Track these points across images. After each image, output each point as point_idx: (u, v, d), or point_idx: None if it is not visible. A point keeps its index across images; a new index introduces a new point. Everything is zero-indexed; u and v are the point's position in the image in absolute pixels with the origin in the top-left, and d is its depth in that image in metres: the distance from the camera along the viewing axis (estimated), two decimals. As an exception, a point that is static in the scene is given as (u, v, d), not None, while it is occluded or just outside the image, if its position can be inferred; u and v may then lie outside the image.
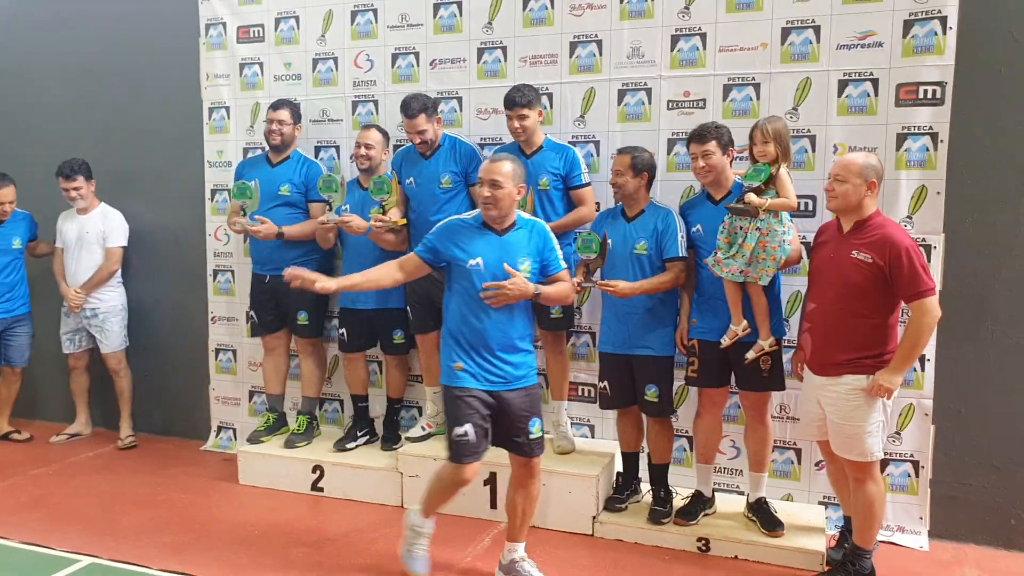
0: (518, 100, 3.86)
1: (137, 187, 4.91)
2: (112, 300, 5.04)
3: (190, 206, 5.00)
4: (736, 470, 4.05)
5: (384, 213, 4.08)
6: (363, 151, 4.23)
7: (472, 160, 4.13)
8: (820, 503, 3.92)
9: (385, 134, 4.33)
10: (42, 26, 5.44)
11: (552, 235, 3.29)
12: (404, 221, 4.13)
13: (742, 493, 3.95)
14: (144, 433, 5.27)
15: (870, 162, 3.11)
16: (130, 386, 5.20)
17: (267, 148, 4.56)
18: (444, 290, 3.32)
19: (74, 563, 3.53)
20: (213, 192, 4.99)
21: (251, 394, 5.03)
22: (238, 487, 4.45)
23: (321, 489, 4.32)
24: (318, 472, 4.33)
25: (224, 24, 4.85)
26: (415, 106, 4.02)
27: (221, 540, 3.79)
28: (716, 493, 3.89)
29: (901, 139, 3.67)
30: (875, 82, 3.70)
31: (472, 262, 3.13)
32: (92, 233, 4.95)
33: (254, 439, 4.59)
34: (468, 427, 3.11)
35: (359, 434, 4.50)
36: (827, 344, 3.16)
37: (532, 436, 3.22)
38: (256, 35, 4.80)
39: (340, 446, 4.42)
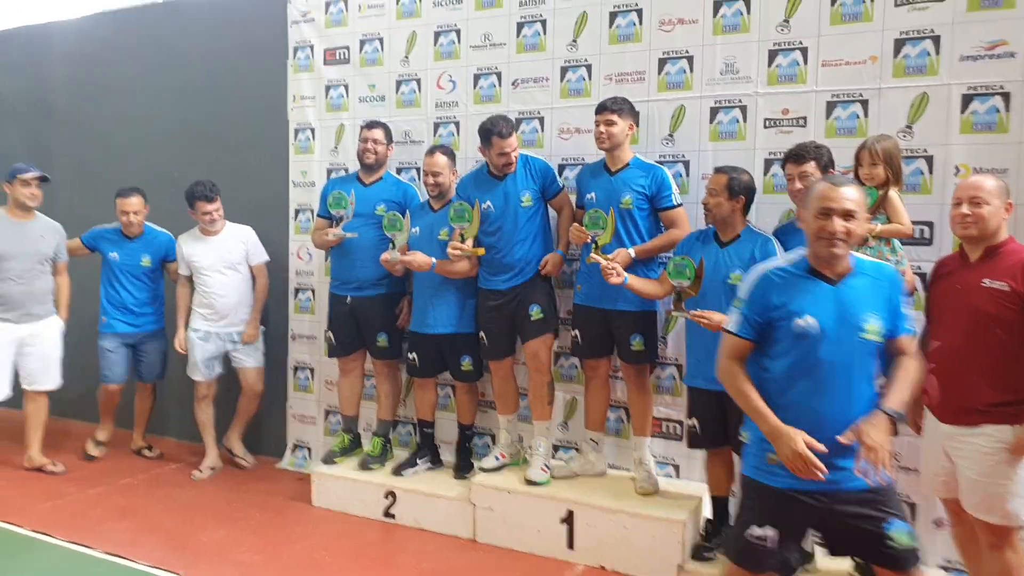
0: (609, 105, 3.70)
1: (225, 206, 4.98)
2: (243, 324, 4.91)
3: (274, 225, 5.05)
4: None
5: (463, 241, 3.97)
6: (431, 179, 4.15)
7: (547, 175, 4.01)
8: (941, 567, 3.51)
9: (451, 155, 4.24)
10: (136, 47, 5.65)
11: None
12: (482, 251, 4.00)
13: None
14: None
15: (1002, 183, 2.81)
16: (256, 408, 5.05)
17: (351, 168, 4.54)
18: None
19: (152, 578, 3.58)
20: (297, 212, 5.02)
21: (327, 413, 5.02)
22: (312, 508, 4.43)
23: (393, 516, 4.23)
24: (391, 498, 4.24)
25: (312, 47, 4.89)
26: (508, 128, 3.92)
27: (292, 563, 3.76)
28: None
29: (1040, 159, 3.28)
30: (1006, 96, 3.32)
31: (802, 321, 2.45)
32: (235, 253, 4.82)
33: (329, 459, 4.57)
34: (770, 531, 2.48)
35: (419, 461, 4.40)
36: (959, 387, 2.80)
37: (895, 543, 2.40)
38: (342, 57, 4.82)
39: (399, 471, 4.33)
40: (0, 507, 4.35)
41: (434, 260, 4.04)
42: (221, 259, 4.80)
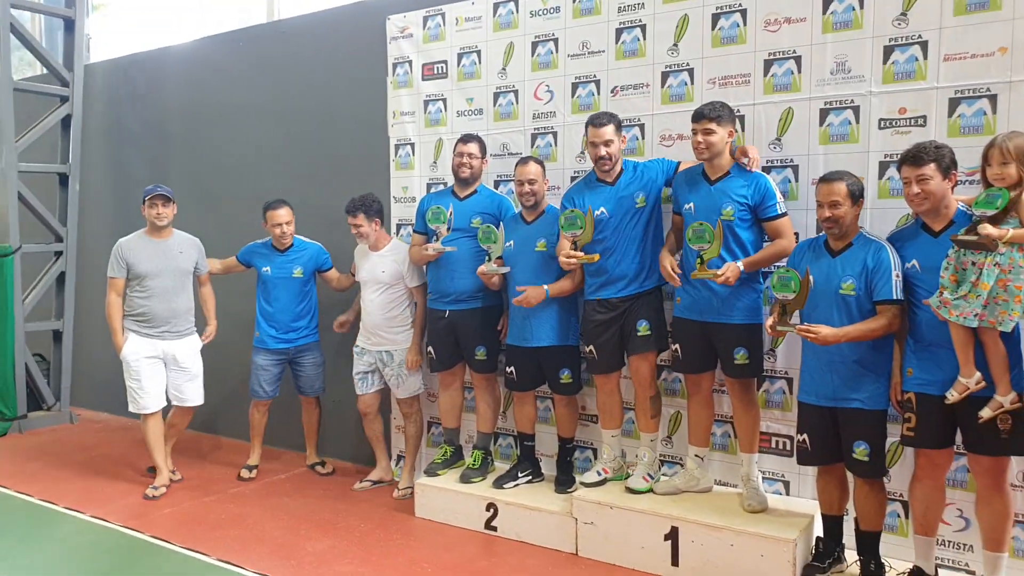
0: (706, 112, 3.59)
1: (331, 222, 5.12)
2: (406, 342, 4.77)
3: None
4: (966, 545, 3.46)
5: (577, 249, 3.92)
6: (527, 187, 4.14)
7: (669, 169, 3.95)
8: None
9: (542, 164, 4.21)
10: (244, 70, 5.91)
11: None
12: (597, 257, 3.94)
13: (972, 573, 3.39)
14: (331, 458, 5.44)
15: None
16: (418, 432, 4.93)
17: (451, 183, 4.58)
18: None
19: (261, 585, 3.68)
20: (399, 227, 5.10)
21: (429, 425, 5.06)
22: (414, 519, 4.47)
23: (494, 528, 4.22)
24: (492, 510, 4.23)
25: (410, 62, 4.98)
26: (604, 117, 3.89)
27: (395, 574, 3.79)
28: (939, 570, 3.33)
29: None
30: None
31: None
32: (388, 273, 4.71)
33: (431, 471, 4.60)
34: None
35: (520, 474, 4.37)
36: None
37: None
38: (440, 72, 4.88)
39: (499, 484, 4.32)
40: (124, 513, 4.59)
41: (547, 288, 4.05)
42: (373, 277, 4.74)
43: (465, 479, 4.43)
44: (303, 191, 5.05)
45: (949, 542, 3.48)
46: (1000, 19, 3.31)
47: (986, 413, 2.94)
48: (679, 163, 3.94)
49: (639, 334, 3.91)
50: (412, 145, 5.02)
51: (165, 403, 5.00)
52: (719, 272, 3.49)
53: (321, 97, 5.47)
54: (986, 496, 3.13)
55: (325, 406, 5.37)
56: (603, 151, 3.88)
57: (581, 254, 3.89)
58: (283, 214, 4.99)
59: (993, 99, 3.35)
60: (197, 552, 4.04)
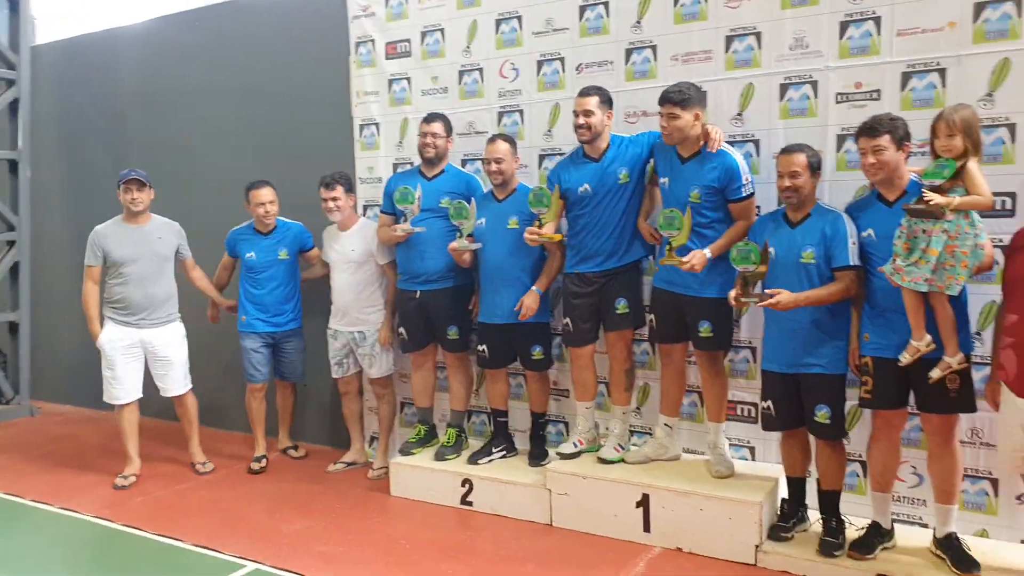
0: (671, 97, 3.63)
1: (295, 204, 5.09)
2: (379, 322, 4.79)
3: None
4: (919, 500, 3.64)
5: (540, 227, 3.97)
6: (494, 166, 4.17)
7: (652, 142, 3.97)
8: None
9: (512, 142, 4.24)
10: (201, 49, 5.81)
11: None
12: (560, 237, 4.00)
13: (925, 526, 3.56)
14: (304, 442, 5.44)
15: None
16: (391, 413, 4.98)
17: (417, 163, 4.58)
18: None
19: (240, 568, 3.69)
20: (365, 208, 5.09)
21: (402, 405, 5.09)
22: (390, 498, 4.51)
23: (470, 503, 4.29)
24: (467, 486, 4.30)
25: (373, 41, 4.95)
26: (590, 89, 3.93)
27: (374, 552, 3.84)
28: (896, 525, 3.51)
29: (1125, 124, 3.14)
30: (1100, 59, 3.20)
31: None
32: (358, 251, 4.71)
33: (406, 451, 4.65)
34: None
35: (494, 450, 4.45)
36: None
37: None
38: (403, 50, 4.87)
39: (474, 460, 4.38)
40: (95, 504, 4.56)
41: (536, 289, 4.14)
42: (343, 256, 4.74)
43: (440, 457, 4.49)
44: (266, 173, 4.97)
45: (904, 498, 3.65)
46: (949, -6, 3.43)
47: (936, 374, 3.09)
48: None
49: (617, 312, 3.99)
50: (377, 125, 5.01)
51: (140, 395, 4.94)
52: (685, 260, 3.58)
53: (282, 77, 5.40)
54: (937, 452, 3.30)
55: (299, 390, 5.36)
56: (581, 120, 3.90)
57: (546, 232, 3.95)
58: (266, 193, 4.89)
59: (943, 73, 3.47)
60: (172, 538, 4.03)
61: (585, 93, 3.93)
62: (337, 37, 5.06)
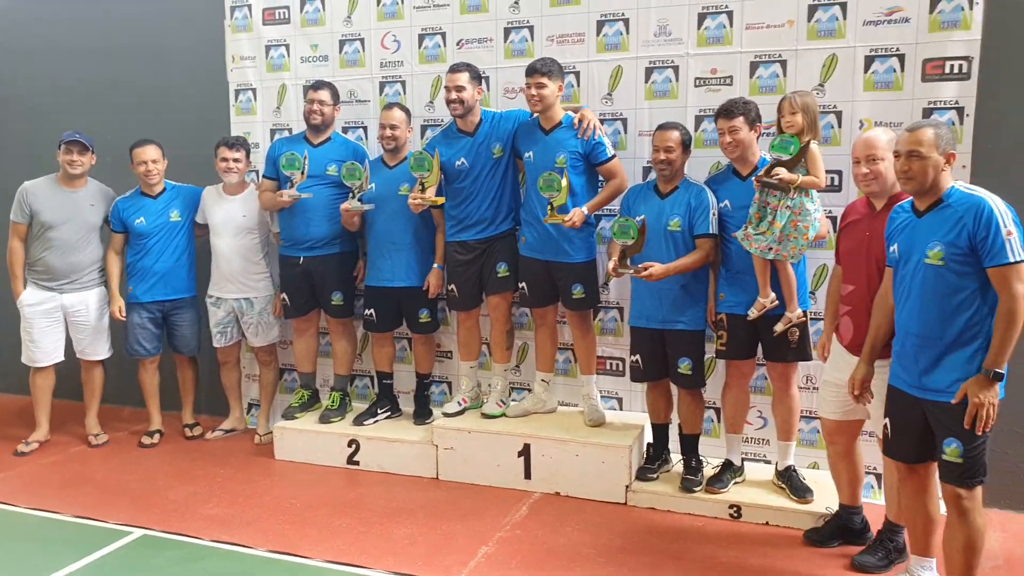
0: (538, 67, 3.89)
1: (168, 168, 4.93)
2: (267, 289, 4.77)
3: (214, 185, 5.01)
4: (764, 440, 4.16)
5: (423, 191, 4.12)
6: (388, 132, 4.29)
7: (519, 119, 4.19)
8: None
9: (407, 112, 4.38)
10: (58, 6, 5.48)
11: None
12: (443, 200, 4.17)
13: (769, 462, 4.07)
14: (175, 411, 5.20)
15: (892, 135, 3.11)
16: (275, 379, 4.97)
17: (296, 129, 4.59)
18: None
19: (127, 535, 3.66)
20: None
21: (281, 372, 5.11)
22: (275, 462, 4.56)
23: (357, 463, 4.43)
24: (354, 446, 4.43)
25: (249, 7, 4.88)
26: (460, 65, 4.11)
27: (264, 512, 3.90)
28: (745, 462, 4.00)
29: (927, 113, 3.72)
30: (901, 58, 3.75)
31: None
32: (249, 217, 4.63)
33: (289, 415, 4.70)
34: None
35: (379, 411, 4.59)
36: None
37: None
38: (281, 17, 4.84)
39: (359, 421, 4.52)
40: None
41: (437, 265, 4.37)
42: (230, 220, 4.65)
43: (325, 419, 4.58)
44: (134, 135, 4.77)
45: (751, 438, 4.16)
46: (790, -5, 3.89)
47: (779, 327, 3.58)
48: (534, 115, 4.15)
49: (499, 275, 4.23)
50: (253, 91, 4.96)
51: (61, 358, 4.77)
52: (567, 217, 3.86)
53: (150, 37, 5.19)
54: (779, 396, 3.81)
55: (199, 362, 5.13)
56: (453, 95, 4.08)
57: (428, 195, 4.10)
58: (150, 151, 4.64)
59: (784, 64, 3.95)
60: (48, 512, 3.91)
61: (455, 69, 4.11)
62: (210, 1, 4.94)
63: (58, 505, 3.99)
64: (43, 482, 4.33)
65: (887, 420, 2.92)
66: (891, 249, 2.87)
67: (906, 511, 3.04)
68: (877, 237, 3.07)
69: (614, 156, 4.02)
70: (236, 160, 4.60)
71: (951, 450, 2.66)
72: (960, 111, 3.69)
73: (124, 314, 4.77)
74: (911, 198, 2.83)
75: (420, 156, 4.10)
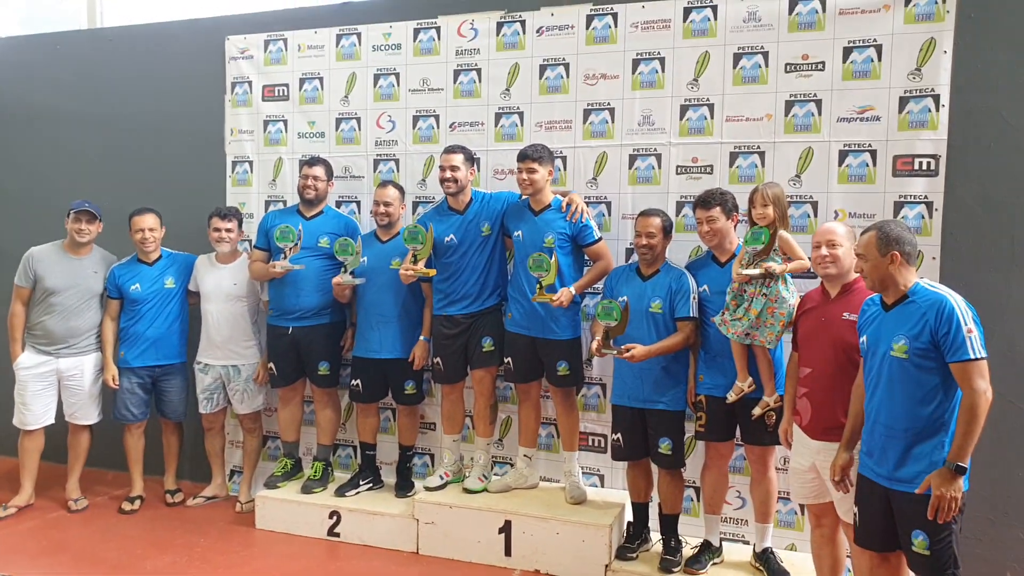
0: (530, 154, 4.06)
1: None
2: (254, 357, 4.83)
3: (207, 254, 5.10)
4: (742, 520, 4.19)
5: (415, 262, 4.22)
6: (382, 208, 4.43)
7: (508, 202, 4.33)
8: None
9: (401, 190, 4.53)
10: (59, 75, 5.64)
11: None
12: (434, 272, 4.27)
13: (748, 542, 4.10)
14: (158, 475, 5.16)
15: (850, 228, 3.32)
16: (258, 446, 4.99)
17: (291, 201, 4.70)
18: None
19: (101, 608, 3.63)
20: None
21: (265, 439, 5.12)
22: (255, 531, 4.55)
23: (338, 535, 4.42)
24: (335, 517, 4.43)
25: (250, 83, 5.06)
26: (456, 148, 4.27)
27: (243, 585, 3.89)
28: (723, 542, 4.03)
29: (898, 207, 3.90)
30: (873, 153, 3.93)
31: None
32: (240, 285, 4.72)
33: (271, 484, 4.70)
34: None
35: (362, 482, 4.61)
36: (827, 409, 3.20)
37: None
38: (281, 94, 5.01)
39: (341, 492, 4.53)
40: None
41: (423, 339, 4.46)
42: (219, 288, 4.73)
43: (307, 490, 4.59)
44: (131, 203, 4.87)
45: (730, 518, 4.20)
46: (766, 91, 4.09)
47: (756, 411, 3.66)
48: (523, 197, 4.26)
49: (484, 350, 4.31)
50: (250, 163, 5.10)
51: (51, 421, 4.80)
52: (555, 296, 3.97)
53: (151, 108, 5.35)
54: (757, 478, 3.87)
55: (184, 428, 5.11)
56: (448, 174, 4.24)
57: (419, 267, 4.20)
58: (149, 219, 4.74)
59: (762, 155, 4.12)
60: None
61: (451, 150, 4.28)
62: (212, 75, 5.13)
63: (35, 575, 3.95)
64: (19, 549, 4.30)
65: (856, 508, 2.98)
66: (861, 340, 2.99)
67: None
68: (832, 321, 3.20)
69: (601, 239, 4.15)
70: (228, 230, 4.71)
71: (919, 542, 2.72)
72: (929, 205, 3.86)
73: (118, 382, 4.79)
74: (879, 294, 2.95)
75: (414, 229, 4.21)
